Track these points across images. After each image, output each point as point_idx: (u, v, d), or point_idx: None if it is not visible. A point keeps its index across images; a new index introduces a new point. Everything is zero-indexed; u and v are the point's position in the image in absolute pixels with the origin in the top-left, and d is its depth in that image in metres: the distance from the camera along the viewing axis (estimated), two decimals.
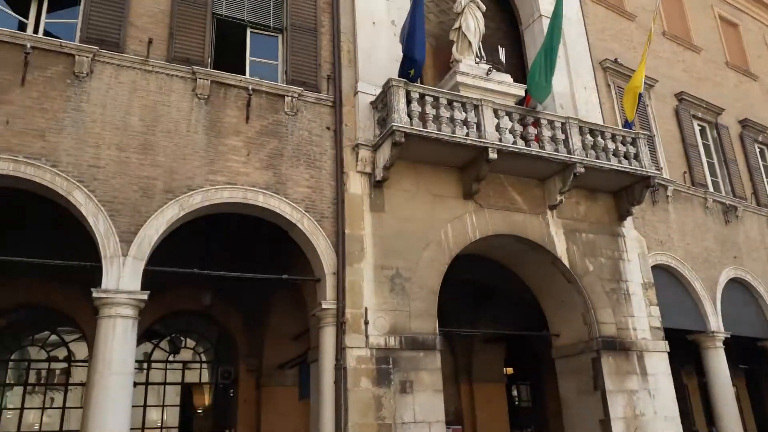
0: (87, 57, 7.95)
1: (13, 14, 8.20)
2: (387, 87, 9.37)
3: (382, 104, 9.60)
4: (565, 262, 10.63)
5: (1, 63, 7.55)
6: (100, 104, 7.96)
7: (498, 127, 9.97)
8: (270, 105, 9.20)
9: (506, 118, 10.20)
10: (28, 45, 7.62)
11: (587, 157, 10.53)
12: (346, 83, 9.88)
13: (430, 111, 9.49)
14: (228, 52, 9.59)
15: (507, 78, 11.46)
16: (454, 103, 9.79)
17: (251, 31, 9.80)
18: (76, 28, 8.23)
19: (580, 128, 10.80)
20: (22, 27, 8.18)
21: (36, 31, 8.19)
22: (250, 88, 9.00)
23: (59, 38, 7.95)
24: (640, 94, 11.85)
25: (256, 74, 9.48)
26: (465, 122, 9.72)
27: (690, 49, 16.15)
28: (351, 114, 9.74)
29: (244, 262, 9.68)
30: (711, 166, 14.98)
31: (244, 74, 9.34)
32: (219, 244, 11.05)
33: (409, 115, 9.27)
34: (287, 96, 9.29)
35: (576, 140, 10.53)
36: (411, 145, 9.13)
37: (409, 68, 9.71)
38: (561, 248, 10.67)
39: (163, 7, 8.88)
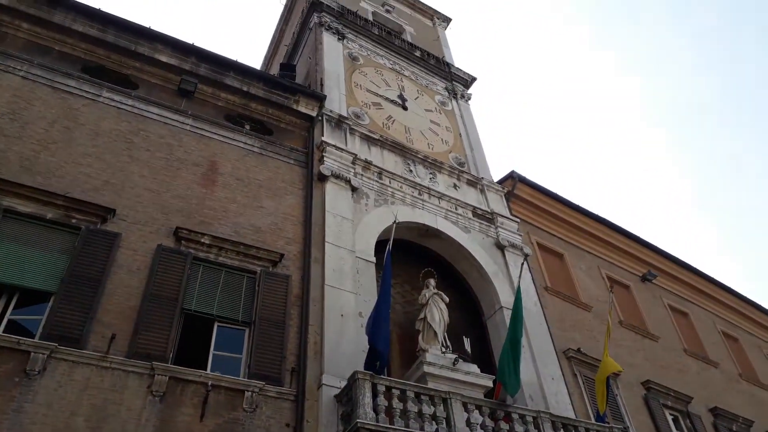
0: (43, 354, 7.76)
1: None
2: (352, 380, 9.19)
3: (346, 398, 9.29)
4: None
5: None
6: (45, 404, 7.49)
7: (468, 422, 9.58)
8: (228, 401, 8.79)
9: (476, 411, 9.88)
10: None
11: None
12: (311, 375, 9.68)
13: (397, 405, 9.18)
14: (192, 345, 9.51)
15: (474, 368, 11.44)
16: (422, 396, 9.54)
17: (218, 325, 9.88)
18: (40, 324, 8.18)
19: (553, 423, 10.47)
20: None
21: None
22: (210, 383, 8.70)
23: (18, 336, 7.83)
24: (608, 383, 11.84)
25: (219, 368, 9.27)
26: (434, 417, 9.35)
27: (648, 337, 16.75)
28: (313, 409, 9.31)
29: None
30: None
31: (206, 368, 9.11)
32: None
33: (375, 410, 8.92)
34: (247, 391, 8.95)
35: None
36: None
37: (375, 360, 9.68)
38: None
39: (132, 303, 9.03)
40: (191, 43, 13.15)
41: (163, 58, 12.65)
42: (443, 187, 15.21)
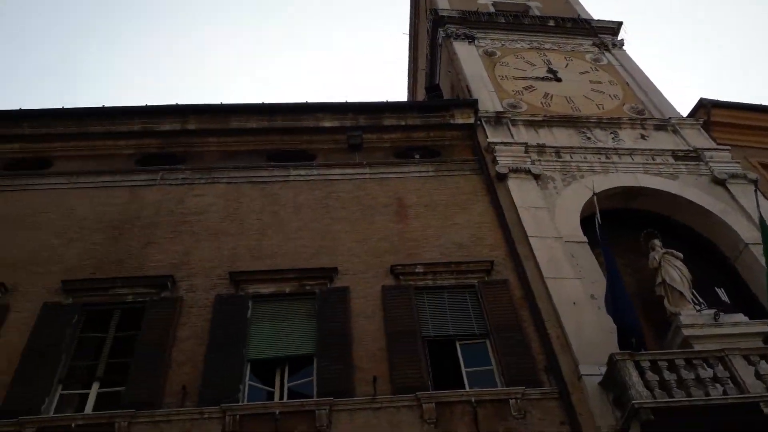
0: (324, 410, 8.56)
1: (263, 386, 9.33)
2: (612, 363, 8.78)
3: (612, 383, 8.88)
4: None
5: None
6: None
7: (758, 374, 8.60)
8: (496, 412, 8.88)
9: (763, 361, 8.83)
10: (277, 411, 8.47)
11: None
12: (566, 370, 9.43)
13: (669, 377, 8.57)
14: (441, 369, 9.83)
15: (740, 317, 10.31)
16: (694, 361, 8.80)
17: (459, 343, 10.12)
18: (313, 384, 9.10)
19: None
20: (270, 396, 9.22)
21: (282, 396, 9.12)
22: (473, 400, 8.89)
23: (301, 398, 8.77)
24: None
25: (475, 384, 9.44)
26: (715, 378, 8.55)
27: None
28: (582, 402, 9.02)
29: None
30: None
31: (463, 387, 9.34)
32: None
33: (648, 387, 8.41)
34: (511, 399, 8.97)
35: None
36: (661, 421, 8.03)
37: (628, 337, 9.20)
38: None
39: (379, 345, 9.64)
40: (344, 101, 14.08)
41: (327, 124, 13.68)
42: (630, 142, 14.25)
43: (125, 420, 8.42)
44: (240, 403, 8.79)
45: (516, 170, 12.98)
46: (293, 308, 10.30)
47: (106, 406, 8.88)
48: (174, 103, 13.58)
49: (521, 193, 12.52)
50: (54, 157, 12.86)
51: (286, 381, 9.39)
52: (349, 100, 14.10)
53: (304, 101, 13.91)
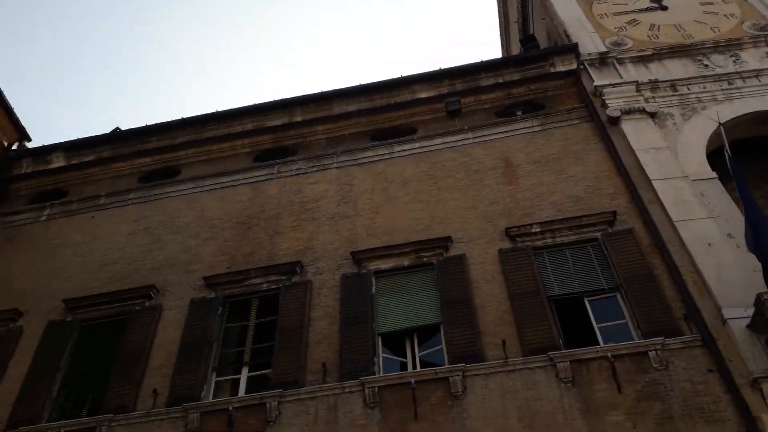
0: (458, 375, 8.78)
1: (396, 357, 9.73)
2: (760, 303, 8.18)
3: (762, 324, 8.29)
4: None
5: (395, 403, 8.73)
6: (480, 416, 8.40)
7: None
8: (635, 366, 8.62)
9: None
10: (413, 381, 8.80)
11: None
12: (708, 315, 8.91)
13: None
14: (571, 328, 9.67)
15: None
16: None
17: (588, 300, 9.86)
18: (443, 351, 9.33)
19: None
20: (403, 367, 9.60)
21: (415, 366, 9.46)
22: (610, 355, 8.68)
23: (434, 367, 9.05)
24: None
25: (610, 339, 9.21)
26: None
27: None
28: (729, 347, 8.51)
29: None
30: None
31: (596, 344, 9.14)
32: None
33: None
34: (650, 351, 8.66)
35: None
36: None
37: None
38: None
39: (504, 308, 9.66)
40: (437, 69, 13.95)
41: (423, 95, 13.67)
42: (755, 63, 12.92)
43: (275, 399, 9.15)
44: (377, 375, 9.23)
45: (629, 111, 12.27)
46: (414, 280, 10.56)
47: (256, 389, 9.69)
48: (279, 98, 14.18)
49: (638, 134, 11.83)
50: (181, 165, 13.98)
51: (417, 351, 9.72)
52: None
53: (399, 76, 13.96)
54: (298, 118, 13.92)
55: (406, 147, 13.04)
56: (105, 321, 11.16)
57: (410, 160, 12.78)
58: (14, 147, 14.67)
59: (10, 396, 10.17)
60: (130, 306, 11.14)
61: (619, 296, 9.72)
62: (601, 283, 9.93)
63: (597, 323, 9.49)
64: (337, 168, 13.00)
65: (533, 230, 10.70)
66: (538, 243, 10.59)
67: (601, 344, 9.05)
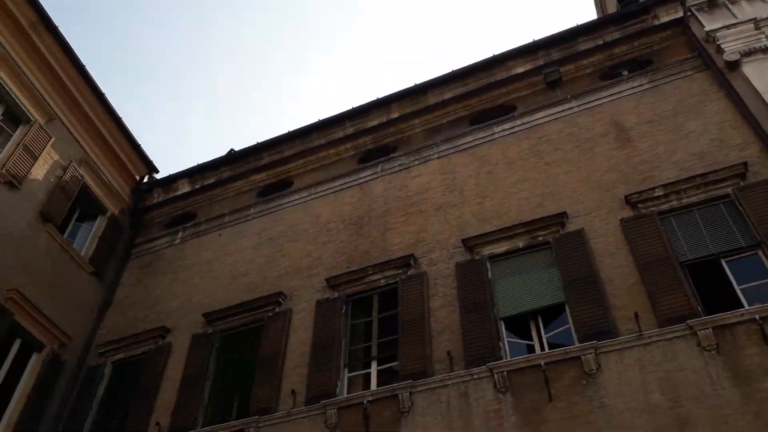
0: (590, 353, 8.45)
1: (521, 341, 9.56)
2: None
3: None
4: None
5: (527, 386, 8.58)
6: (620, 393, 8.03)
7: None
8: None
9: None
10: (542, 363, 8.60)
11: None
12: None
13: None
14: (708, 293, 8.96)
15: None
16: None
17: (725, 261, 9.09)
18: (571, 330, 9.03)
19: None
20: (530, 349, 9.40)
21: (542, 348, 9.24)
22: (757, 317, 7.95)
23: (563, 346, 8.79)
24: None
25: (753, 301, 8.42)
26: None
27: None
28: None
29: None
30: None
31: (740, 307, 8.40)
32: None
33: None
34: None
35: None
36: None
37: None
38: None
39: (633, 279, 9.15)
40: (531, 41, 13.50)
41: (519, 70, 13.28)
42: None
43: (406, 390, 9.33)
44: (504, 360, 9.11)
45: (749, 53, 11.15)
46: (531, 261, 10.30)
47: (386, 382, 9.93)
48: (375, 98, 14.42)
49: (762, 76, 10.71)
50: (293, 176, 14.64)
51: (542, 332, 9.47)
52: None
53: (491, 55, 13.68)
54: (395, 114, 14.06)
55: (507, 126, 12.75)
56: (241, 329, 11.96)
57: (512, 138, 12.48)
58: (145, 180, 16.08)
59: (169, 406, 11.17)
60: (262, 313, 11.85)
61: (760, 253, 8.87)
62: (739, 241, 9.11)
63: (738, 285, 8.72)
64: (438, 158, 12.98)
65: (656, 194, 10.05)
66: (663, 207, 9.92)
67: (746, 306, 8.30)
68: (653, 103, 11.61)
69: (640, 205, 10.06)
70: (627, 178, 10.63)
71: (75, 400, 12.10)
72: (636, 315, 8.67)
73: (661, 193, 10.01)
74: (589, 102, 12.26)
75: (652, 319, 8.60)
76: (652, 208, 9.95)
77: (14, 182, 12.17)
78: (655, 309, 8.67)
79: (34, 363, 11.83)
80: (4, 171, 11.99)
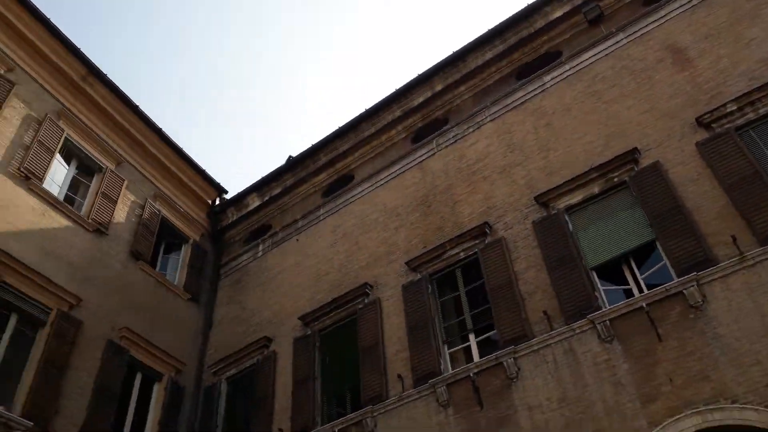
0: (692, 286, 8.24)
1: (617, 287, 9.41)
2: None
3: None
4: None
5: (632, 330, 8.47)
6: (732, 321, 7.81)
7: None
8: None
9: None
10: (644, 304, 8.46)
11: None
12: None
13: None
14: None
15: None
16: None
17: None
18: (667, 266, 8.82)
19: None
20: (628, 294, 9.25)
21: (640, 290, 9.06)
22: None
23: (661, 284, 8.61)
24: None
25: None
26: None
27: None
28: None
29: None
30: None
31: None
32: None
33: None
34: None
35: None
36: None
37: None
38: None
39: (722, 203, 8.82)
40: None
41: (558, 13, 12.85)
42: None
43: (510, 357, 9.40)
44: (603, 309, 9.00)
45: None
46: (611, 205, 10.08)
47: (487, 352, 10.01)
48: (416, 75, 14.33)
49: None
50: (352, 169, 14.84)
51: (637, 274, 9.28)
52: None
53: (526, 5, 13.29)
54: (439, 87, 13.95)
55: (556, 73, 12.42)
56: (338, 325, 12.35)
57: (564, 84, 12.16)
58: (217, 202, 16.70)
59: (286, 411, 11.71)
60: (353, 306, 12.19)
61: None
62: None
63: None
64: (492, 120, 12.82)
65: (729, 110, 9.59)
66: (740, 122, 9.47)
67: None
68: (706, 17, 11.02)
69: (713, 125, 9.63)
70: (694, 100, 10.19)
71: (201, 420, 12.89)
72: (734, 238, 8.36)
73: (735, 108, 9.55)
74: (636, 31, 11.77)
75: (751, 240, 8.28)
76: (727, 126, 9.52)
77: (101, 229, 12.94)
78: (752, 228, 8.33)
79: (157, 392, 12.66)
80: (90, 220, 12.76)
